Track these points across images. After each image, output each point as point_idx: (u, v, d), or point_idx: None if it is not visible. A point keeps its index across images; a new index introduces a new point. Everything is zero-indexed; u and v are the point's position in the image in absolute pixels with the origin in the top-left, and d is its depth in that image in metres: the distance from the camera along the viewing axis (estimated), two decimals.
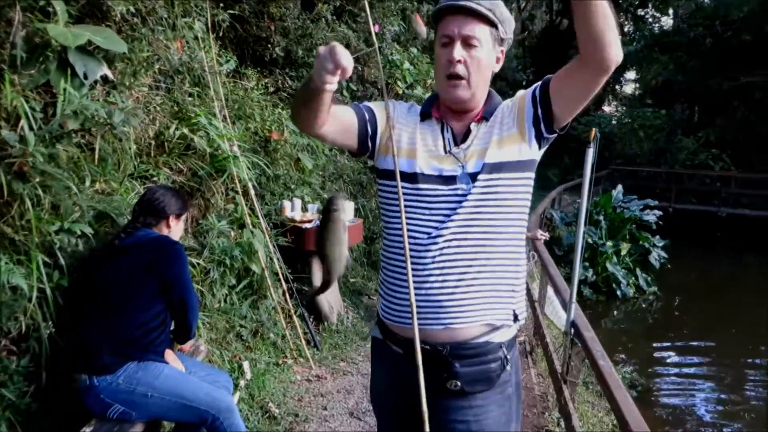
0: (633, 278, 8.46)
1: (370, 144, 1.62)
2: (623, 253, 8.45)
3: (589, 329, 3.03)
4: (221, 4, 4.45)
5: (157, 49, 3.60)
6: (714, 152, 15.99)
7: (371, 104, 1.66)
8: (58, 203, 2.80)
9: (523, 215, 1.57)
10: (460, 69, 1.51)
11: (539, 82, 1.51)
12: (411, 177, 1.55)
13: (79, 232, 2.75)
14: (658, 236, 8.92)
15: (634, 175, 15.94)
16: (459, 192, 1.51)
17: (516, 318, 1.57)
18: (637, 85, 25.32)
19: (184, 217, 2.70)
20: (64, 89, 2.76)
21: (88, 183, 2.94)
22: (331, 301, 4.94)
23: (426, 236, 1.51)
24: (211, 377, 2.70)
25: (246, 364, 3.86)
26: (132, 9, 3.17)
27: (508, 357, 1.56)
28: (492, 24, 1.52)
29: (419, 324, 1.48)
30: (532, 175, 1.57)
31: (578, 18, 1.27)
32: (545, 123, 1.50)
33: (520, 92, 1.59)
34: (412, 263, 1.50)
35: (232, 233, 4.28)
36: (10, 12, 2.85)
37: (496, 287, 1.53)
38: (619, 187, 9.56)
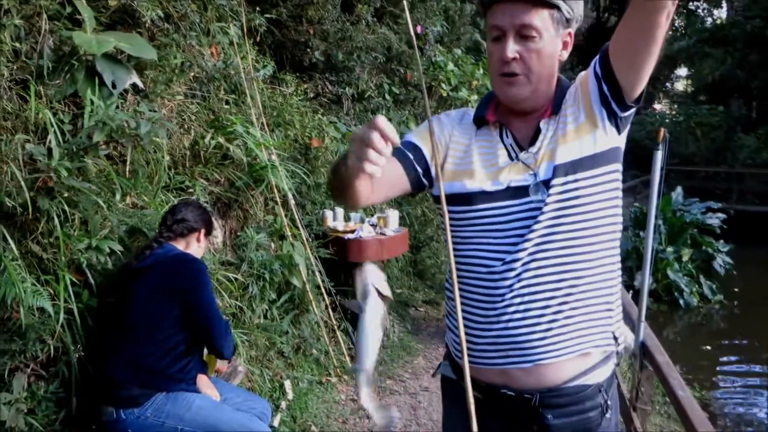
0: (696, 286, 7.94)
1: (425, 181, 1.40)
2: (685, 259, 7.94)
3: (663, 353, 2.72)
4: (257, 9, 4.30)
5: (190, 55, 3.45)
6: None
7: (413, 135, 1.43)
8: (88, 219, 2.67)
9: (614, 216, 1.31)
10: (515, 67, 1.27)
11: (598, 54, 1.27)
12: (468, 198, 1.33)
13: (108, 250, 2.61)
14: (722, 241, 8.38)
15: (692, 175, 15.24)
16: (533, 205, 1.27)
17: (616, 341, 1.33)
18: (689, 81, 24.39)
19: (209, 237, 2.53)
20: (91, 99, 2.62)
21: (118, 197, 2.80)
22: None
23: (500, 263, 1.28)
24: (248, 404, 2.51)
25: (287, 384, 3.67)
26: (161, 14, 3.02)
27: (609, 401, 1.32)
28: (552, 5, 1.26)
29: (501, 364, 1.30)
30: (618, 166, 1.31)
31: None
32: (614, 98, 1.24)
33: (582, 73, 1.34)
34: (487, 294, 1.30)
35: (273, 245, 4.11)
36: (38, 21, 2.75)
37: (589, 309, 1.28)
38: (679, 189, 9.04)
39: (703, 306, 8.05)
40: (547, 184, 1.26)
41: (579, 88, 1.31)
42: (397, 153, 1.39)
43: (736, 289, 8.51)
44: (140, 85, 2.90)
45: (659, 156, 2.91)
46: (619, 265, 1.35)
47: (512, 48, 1.25)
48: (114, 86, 2.72)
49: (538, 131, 1.32)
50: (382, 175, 1.31)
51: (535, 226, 1.26)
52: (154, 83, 3.16)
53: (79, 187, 2.46)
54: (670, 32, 23.25)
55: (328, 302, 4.21)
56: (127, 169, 2.93)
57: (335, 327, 4.26)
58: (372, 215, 4.97)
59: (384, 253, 4.62)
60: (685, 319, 7.87)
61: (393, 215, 4.76)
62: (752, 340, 7.28)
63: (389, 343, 4.73)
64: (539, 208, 1.26)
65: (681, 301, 7.80)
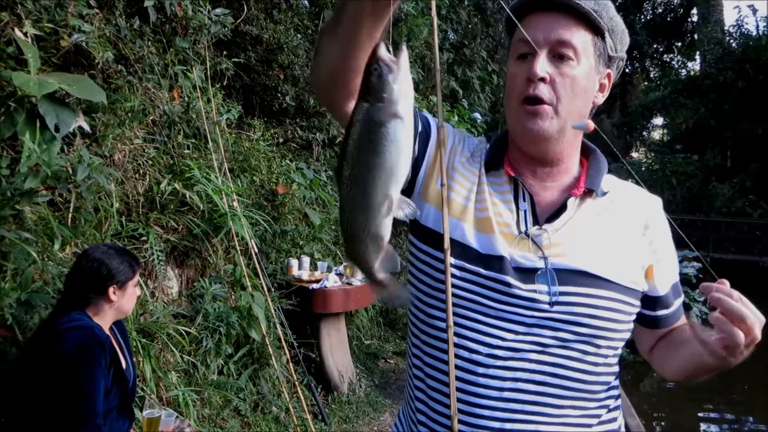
0: None
1: (410, 171, 1.07)
2: None
3: (634, 415, 2.58)
4: (224, 53, 4.21)
5: (145, 99, 3.33)
6: (751, 198, 15.34)
7: (429, 116, 1.14)
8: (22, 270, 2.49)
9: (627, 333, 1.09)
10: (543, 90, 1.00)
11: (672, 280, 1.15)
12: (485, 260, 1.03)
13: (41, 304, 2.42)
14: (698, 290, 8.26)
15: (669, 223, 15.34)
16: (536, 297, 1.00)
17: None
18: (665, 131, 24.85)
19: (134, 281, 2.15)
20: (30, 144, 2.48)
21: (57, 246, 2.63)
22: (341, 368, 4.51)
23: (485, 348, 1.01)
24: None
25: None
26: (111, 56, 2.90)
27: None
28: (597, 30, 1.03)
29: None
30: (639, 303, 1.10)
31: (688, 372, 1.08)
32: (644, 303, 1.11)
33: (654, 211, 1.14)
34: (461, 387, 1.01)
35: (232, 296, 3.93)
36: None
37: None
38: None
39: None
40: (567, 276, 1.01)
41: (652, 230, 1.11)
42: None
43: None
44: (87, 128, 2.76)
45: None
46: (618, 381, 1.13)
47: (544, 65, 1.00)
48: (57, 129, 2.58)
49: (563, 207, 1.06)
50: None
51: (534, 323, 1.01)
52: (105, 127, 3.02)
53: (9, 236, 2.29)
54: (646, 83, 23.82)
55: (289, 356, 4.00)
56: (70, 217, 2.77)
57: (297, 382, 4.04)
58: (339, 264, 4.81)
59: (350, 303, 4.45)
60: None
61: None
62: (729, 389, 7.14)
63: (354, 399, 4.51)
64: (548, 303, 1.00)
65: None
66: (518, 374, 1.00)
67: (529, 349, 1.00)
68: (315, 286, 4.25)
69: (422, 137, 1.10)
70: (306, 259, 4.54)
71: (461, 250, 1.03)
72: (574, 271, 1.01)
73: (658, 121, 24.78)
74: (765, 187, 15.56)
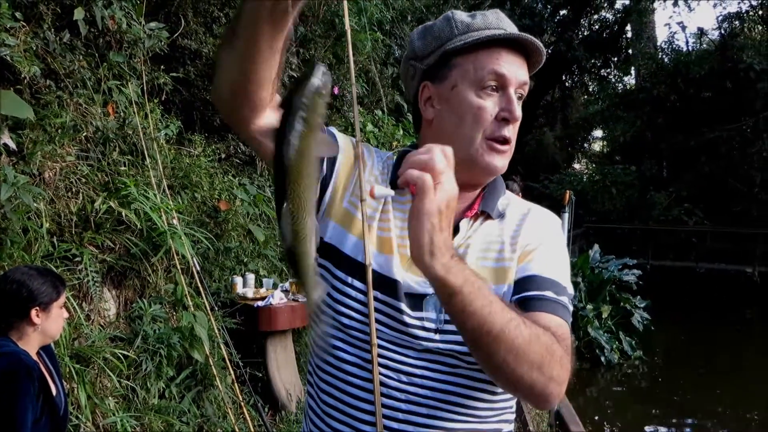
0: (616, 343, 7.98)
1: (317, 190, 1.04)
2: (605, 316, 8.00)
3: (578, 423, 2.60)
4: (162, 67, 4.12)
5: (77, 115, 3.22)
6: (687, 207, 15.96)
7: (337, 132, 1.09)
8: None
9: None
10: (511, 131, 1.02)
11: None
12: (381, 283, 1.01)
13: None
14: (639, 297, 8.54)
15: (610, 232, 15.77)
16: (424, 324, 1.00)
17: None
18: (605, 142, 25.65)
19: (59, 302, 2.02)
20: None
21: None
22: (288, 386, 4.43)
23: (381, 368, 1.01)
24: None
25: None
26: (39, 70, 2.80)
27: None
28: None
29: None
30: None
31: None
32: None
33: (545, 223, 1.09)
34: (354, 403, 1.03)
35: (174, 316, 3.82)
36: None
37: None
38: (596, 247, 9.23)
39: (624, 362, 8.08)
40: None
41: (530, 238, 1.05)
42: None
43: (655, 345, 8.63)
44: (12, 145, 2.64)
45: (566, 218, 2.89)
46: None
47: (518, 107, 1.01)
48: None
49: (456, 230, 1.02)
50: None
51: (421, 353, 1.00)
52: (34, 144, 2.90)
53: None
54: (585, 96, 24.59)
55: (234, 376, 3.90)
56: None
57: (243, 403, 3.94)
58: (285, 280, 4.74)
59: (297, 320, 4.39)
60: (607, 376, 7.88)
61: None
62: (672, 395, 7.36)
63: (302, 417, 4.43)
64: (434, 331, 1.00)
65: (602, 359, 7.78)
66: (411, 397, 0.99)
67: (420, 374, 1.00)
68: (260, 303, 4.17)
69: (330, 155, 1.05)
70: (251, 276, 4.46)
71: (360, 269, 1.01)
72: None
73: (598, 133, 25.60)
74: (699, 195, 16.24)
